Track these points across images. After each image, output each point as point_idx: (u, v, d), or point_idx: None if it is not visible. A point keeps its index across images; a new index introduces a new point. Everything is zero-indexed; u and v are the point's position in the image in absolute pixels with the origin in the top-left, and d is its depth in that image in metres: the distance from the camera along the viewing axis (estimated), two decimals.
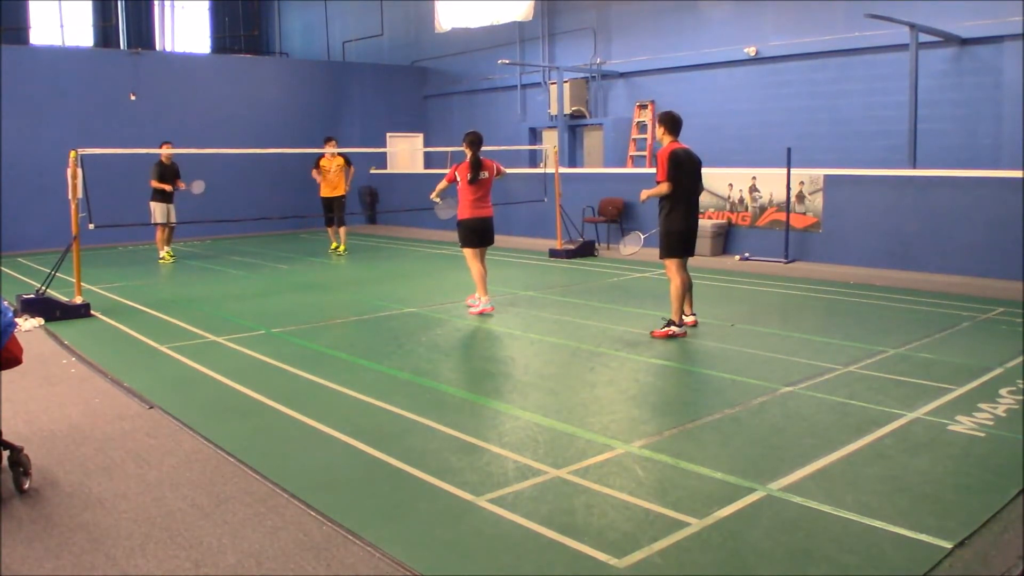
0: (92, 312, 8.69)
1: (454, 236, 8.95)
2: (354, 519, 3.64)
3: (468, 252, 8.52)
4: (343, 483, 4.10)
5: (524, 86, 19.28)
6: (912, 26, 11.45)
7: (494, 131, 17.94)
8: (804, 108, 14.02)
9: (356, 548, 3.38)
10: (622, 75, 17.21)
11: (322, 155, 13.90)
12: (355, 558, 3.30)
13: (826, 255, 11.76)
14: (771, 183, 12.44)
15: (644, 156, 16.55)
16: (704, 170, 7.46)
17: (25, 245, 15.14)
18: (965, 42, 12.06)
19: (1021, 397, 5.28)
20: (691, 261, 7.48)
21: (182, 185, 13.13)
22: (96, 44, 23.50)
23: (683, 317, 7.31)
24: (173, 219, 13.39)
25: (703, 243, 11.93)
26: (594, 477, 4.09)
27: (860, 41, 13.14)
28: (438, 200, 8.81)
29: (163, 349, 7.09)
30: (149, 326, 8.12)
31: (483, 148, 8.44)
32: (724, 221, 13.06)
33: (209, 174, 13.43)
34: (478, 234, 8.46)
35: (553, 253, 13.10)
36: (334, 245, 14.35)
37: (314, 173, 13.93)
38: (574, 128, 18.13)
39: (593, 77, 17.70)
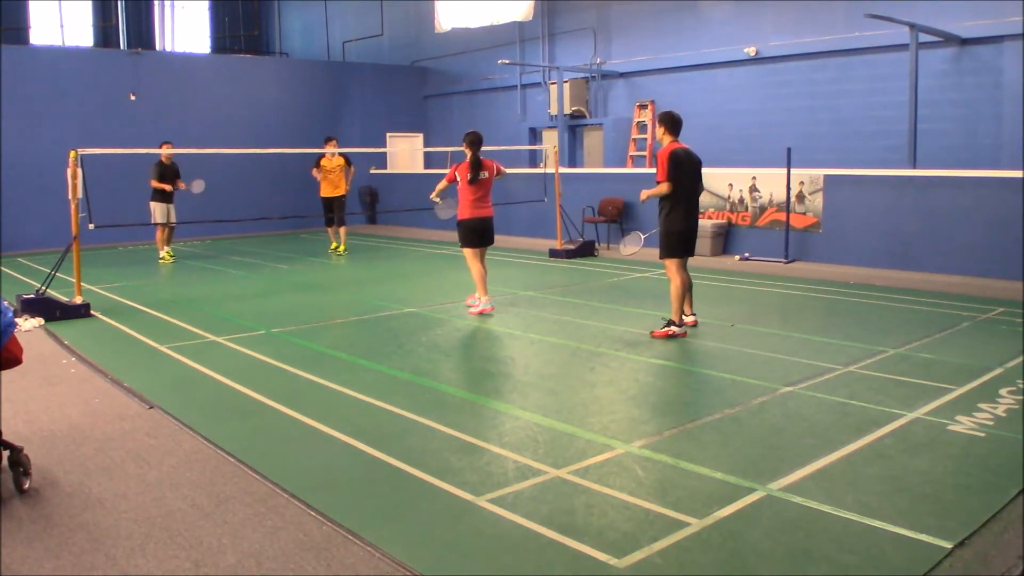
0: (92, 312, 8.69)
1: (454, 236, 8.95)
2: (354, 519, 3.64)
3: (468, 252, 8.52)
4: (343, 483, 4.10)
5: (524, 86, 19.28)
6: (912, 26, 11.45)
7: (494, 131, 17.94)
8: (804, 108, 14.02)
9: (356, 548, 3.38)
10: (622, 75, 17.20)
11: (323, 155, 13.91)
12: (355, 558, 3.31)
13: (826, 255, 11.76)
14: (771, 183, 12.44)
15: (644, 156, 16.54)
16: (704, 170, 7.45)
17: (25, 245, 15.14)
18: (965, 42, 12.06)
19: (1021, 397, 5.28)
20: (691, 261, 7.48)
21: (182, 185, 13.13)
22: (96, 44, 23.50)
23: (683, 317, 7.31)
24: (173, 219, 13.40)
25: (703, 243, 11.93)
26: (594, 477, 4.09)
27: (860, 41, 13.14)
28: (438, 200, 8.81)
29: (163, 349, 7.09)
30: (149, 326, 8.12)
31: (483, 148, 8.45)
32: (724, 221, 13.06)
33: (209, 174, 13.42)
34: (478, 234, 8.46)
35: (553, 253, 13.10)
36: (334, 245, 14.35)
37: (314, 172, 13.92)
38: (574, 128, 18.12)
39: (593, 77, 17.70)
